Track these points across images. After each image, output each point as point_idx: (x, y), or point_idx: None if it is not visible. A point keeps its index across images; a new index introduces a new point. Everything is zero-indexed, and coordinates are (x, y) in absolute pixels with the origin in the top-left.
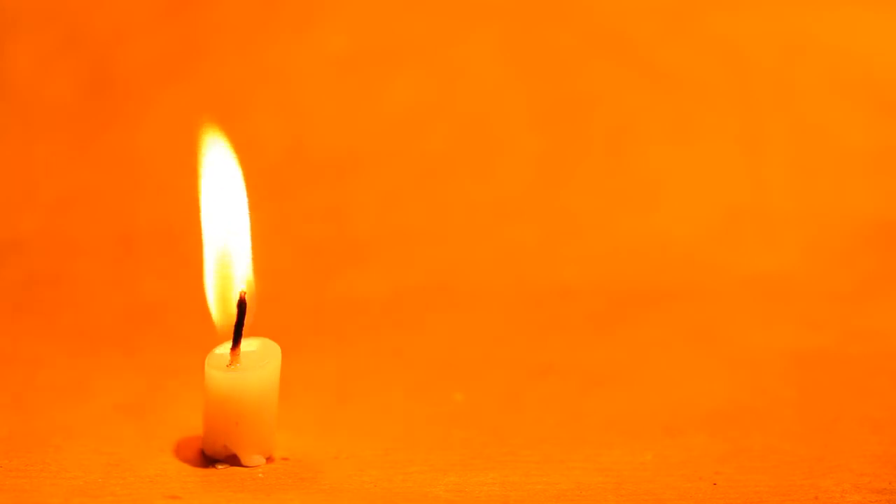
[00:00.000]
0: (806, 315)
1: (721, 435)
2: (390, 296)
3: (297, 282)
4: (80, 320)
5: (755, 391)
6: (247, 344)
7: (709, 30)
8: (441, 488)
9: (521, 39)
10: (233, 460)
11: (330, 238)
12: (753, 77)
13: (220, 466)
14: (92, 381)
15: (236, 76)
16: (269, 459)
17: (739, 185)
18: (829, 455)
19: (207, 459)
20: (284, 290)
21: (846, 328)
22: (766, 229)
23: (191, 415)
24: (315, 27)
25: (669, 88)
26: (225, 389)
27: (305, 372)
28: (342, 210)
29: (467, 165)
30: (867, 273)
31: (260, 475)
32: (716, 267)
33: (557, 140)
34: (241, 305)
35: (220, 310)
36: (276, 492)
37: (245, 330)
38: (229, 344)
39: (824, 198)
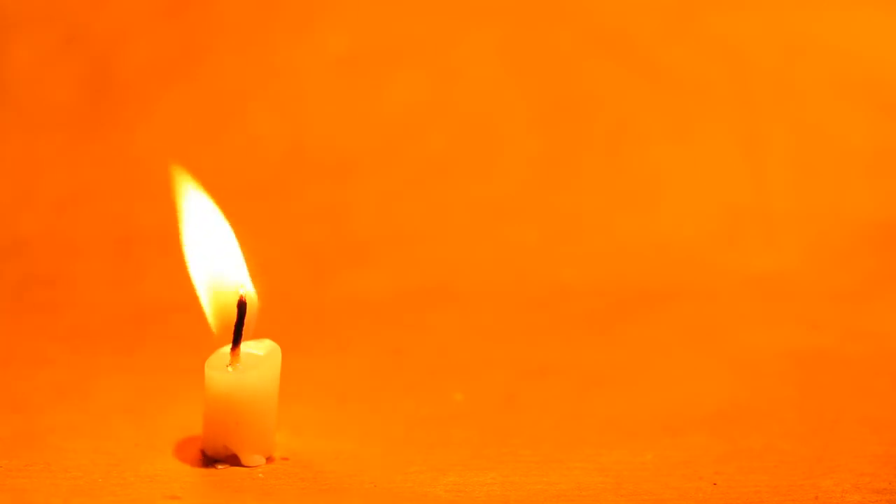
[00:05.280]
0: (806, 315)
1: (721, 435)
2: (390, 296)
3: (297, 282)
4: (80, 320)
5: (755, 391)
6: (246, 344)
7: (709, 30)
8: (441, 488)
9: (520, 39)
10: (233, 460)
11: (330, 238)
12: (753, 77)
13: (220, 466)
14: (92, 381)
15: (236, 76)
16: (269, 459)
17: (739, 185)
18: (829, 455)
19: (207, 459)
20: (284, 290)
21: (846, 328)
22: (766, 229)
23: (191, 415)
24: (315, 27)
25: (669, 88)
26: (225, 389)
27: (305, 372)
28: (342, 210)
29: (467, 165)
30: (867, 273)
31: (260, 475)
32: (716, 267)
33: (557, 140)
34: (241, 306)
35: (216, 317)
36: (276, 492)
37: (245, 331)
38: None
39: (824, 198)
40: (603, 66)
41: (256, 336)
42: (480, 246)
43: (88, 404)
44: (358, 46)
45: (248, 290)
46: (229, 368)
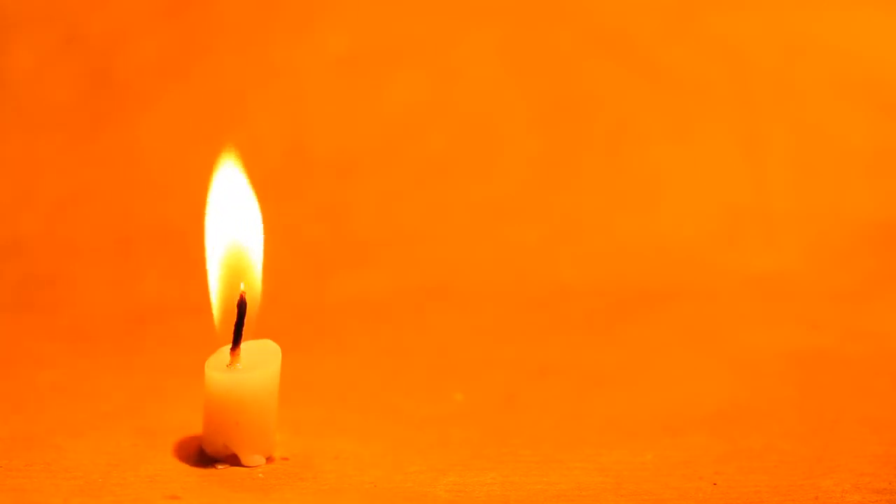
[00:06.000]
0: (806, 315)
1: (721, 435)
2: (390, 296)
3: (297, 282)
4: (80, 320)
5: (755, 391)
6: (247, 345)
7: (709, 30)
8: (441, 488)
9: (520, 39)
10: (233, 460)
11: (330, 238)
12: (753, 77)
13: (220, 466)
14: (92, 381)
15: (236, 76)
16: (269, 459)
17: (739, 185)
18: (829, 455)
19: (207, 459)
20: (284, 290)
21: (846, 328)
22: (766, 229)
23: (191, 415)
24: (315, 27)
25: (669, 88)
26: (225, 390)
27: (305, 372)
28: (342, 210)
29: (467, 165)
30: (867, 273)
31: (260, 475)
32: (716, 267)
33: (557, 140)
34: (241, 306)
35: (221, 314)
36: (275, 492)
37: (245, 331)
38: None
39: (824, 198)
40: (603, 66)
41: (256, 336)
42: (480, 246)
43: (88, 404)
44: (358, 46)
45: (254, 282)
46: (229, 368)
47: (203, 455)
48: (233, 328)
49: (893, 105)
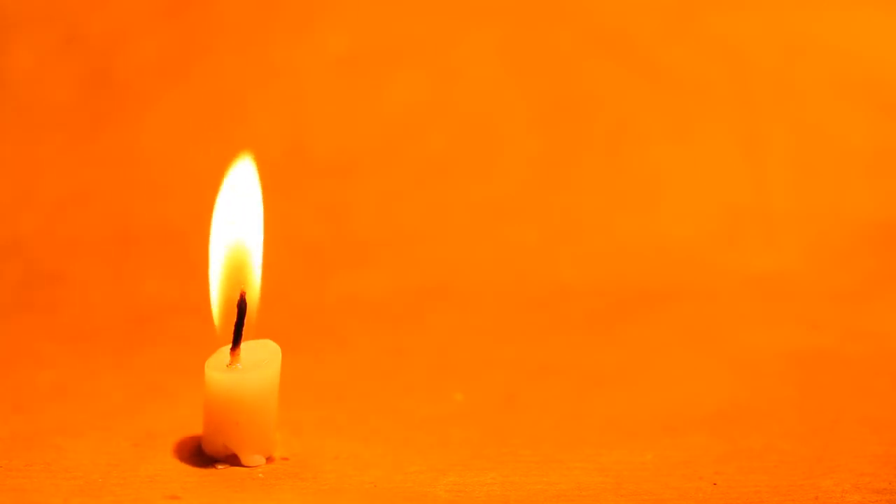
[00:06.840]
0: (806, 315)
1: (721, 435)
2: (390, 296)
3: (297, 282)
4: (80, 320)
5: (755, 391)
6: (247, 345)
7: (709, 30)
8: (441, 488)
9: (520, 39)
10: (233, 460)
11: (330, 238)
12: (753, 77)
13: (220, 466)
14: (92, 381)
15: (236, 76)
16: (269, 459)
17: (739, 185)
18: (829, 455)
19: (207, 459)
20: (284, 290)
21: (846, 328)
22: (766, 229)
23: (191, 415)
24: (315, 27)
25: (669, 88)
26: (225, 390)
27: (305, 372)
28: (342, 210)
29: (467, 165)
30: (867, 273)
31: (260, 475)
32: (716, 267)
33: (557, 140)
34: (241, 306)
35: (221, 313)
36: (276, 492)
37: (245, 331)
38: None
39: (824, 198)
40: (603, 66)
41: (256, 336)
42: (480, 246)
43: (88, 404)
44: (358, 46)
45: (253, 284)
46: (229, 368)
47: (203, 455)
48: (233, 328)
49: (893, 105)
